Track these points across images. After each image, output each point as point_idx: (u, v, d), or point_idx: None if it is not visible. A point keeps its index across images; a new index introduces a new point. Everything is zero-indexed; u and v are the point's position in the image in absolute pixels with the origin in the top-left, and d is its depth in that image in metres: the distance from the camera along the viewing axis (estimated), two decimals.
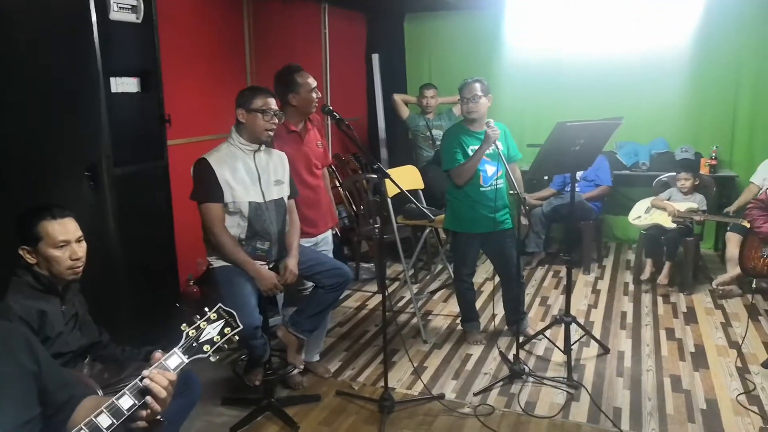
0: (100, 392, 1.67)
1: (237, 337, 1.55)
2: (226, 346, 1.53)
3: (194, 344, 1.48)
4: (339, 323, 3.96)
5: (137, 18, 3.01)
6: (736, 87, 5.27)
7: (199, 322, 1.50)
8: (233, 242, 2.71)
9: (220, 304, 1.55)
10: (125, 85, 3.03)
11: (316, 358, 3.32)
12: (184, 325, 1.49)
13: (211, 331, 1.51)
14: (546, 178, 5.22)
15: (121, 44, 2.95)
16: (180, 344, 1.46)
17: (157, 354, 1.43)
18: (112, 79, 2.92)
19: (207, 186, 2.67)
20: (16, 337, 1.41)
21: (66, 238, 1.97)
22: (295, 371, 3.07)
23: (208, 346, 1.49)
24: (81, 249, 2.02)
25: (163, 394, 1.38)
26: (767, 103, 5.17)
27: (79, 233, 2.03)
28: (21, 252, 1.94)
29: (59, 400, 1.45)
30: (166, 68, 3.27)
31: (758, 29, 5.09)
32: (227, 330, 1.53)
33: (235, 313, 1.56)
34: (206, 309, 1.53)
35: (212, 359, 1.50)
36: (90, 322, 2.18)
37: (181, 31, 3.83)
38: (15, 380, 1.36)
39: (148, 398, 1.38)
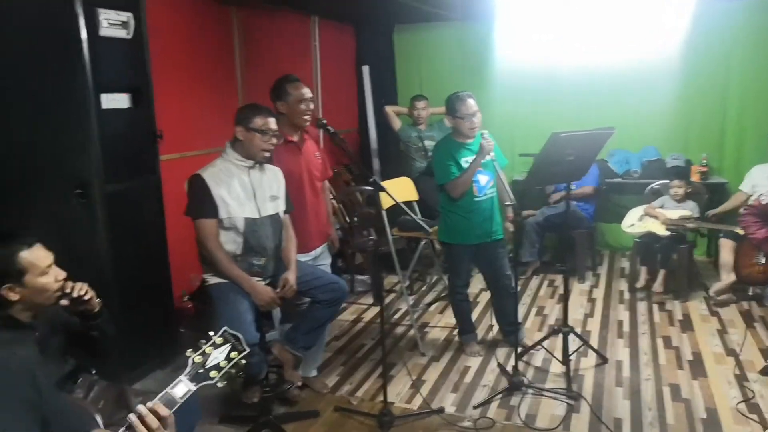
0: (99, 418, 1.63)
1: (244, 361, 1.50)
2: (233, 370, 1.49)
3: (201, 371, 1.43)
4: (335, 337, 3.92)
5: (128, 34, 3.00)
6: (724, 95, 5.31)
7: (204, 348, 1.45)
8: (228, 258, 2.68)
9: (225, 328, 1.50)
10: (116, 101, 3.01)
11: (314, 373, 3.28)
12: (190, 350, 1.44)
13: (218, 356, 1.46)
14: (539, 188, 5.22)
15: (111, 60, 2.94)
16: (186, 371, 1.42)
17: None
18: (103, 96, 2.90)
19: (202, 202, 2.64)
20: (19, 365, 1.38)
21: (49, 262, 1.82)
22: (293, 387, 3.03)
23: (215, 372, 1.45)
24: (59, 270, 1.87)
25: None
26: (755, 111, 5.20)
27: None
28: (4, 292, 1.73)
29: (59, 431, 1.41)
30: (157, 83, 3.25)
31: (745, 38, 5.13)
32: (234, 354, 1.48)
33: (241, 337, 1.52)
34: (211, 333, 1.48)
35: (220, 385, 1.46)
36: (55, 350, 1.90)
37: (172, 46, 3.81)
38: (16, 409, 1.32)
39: None
